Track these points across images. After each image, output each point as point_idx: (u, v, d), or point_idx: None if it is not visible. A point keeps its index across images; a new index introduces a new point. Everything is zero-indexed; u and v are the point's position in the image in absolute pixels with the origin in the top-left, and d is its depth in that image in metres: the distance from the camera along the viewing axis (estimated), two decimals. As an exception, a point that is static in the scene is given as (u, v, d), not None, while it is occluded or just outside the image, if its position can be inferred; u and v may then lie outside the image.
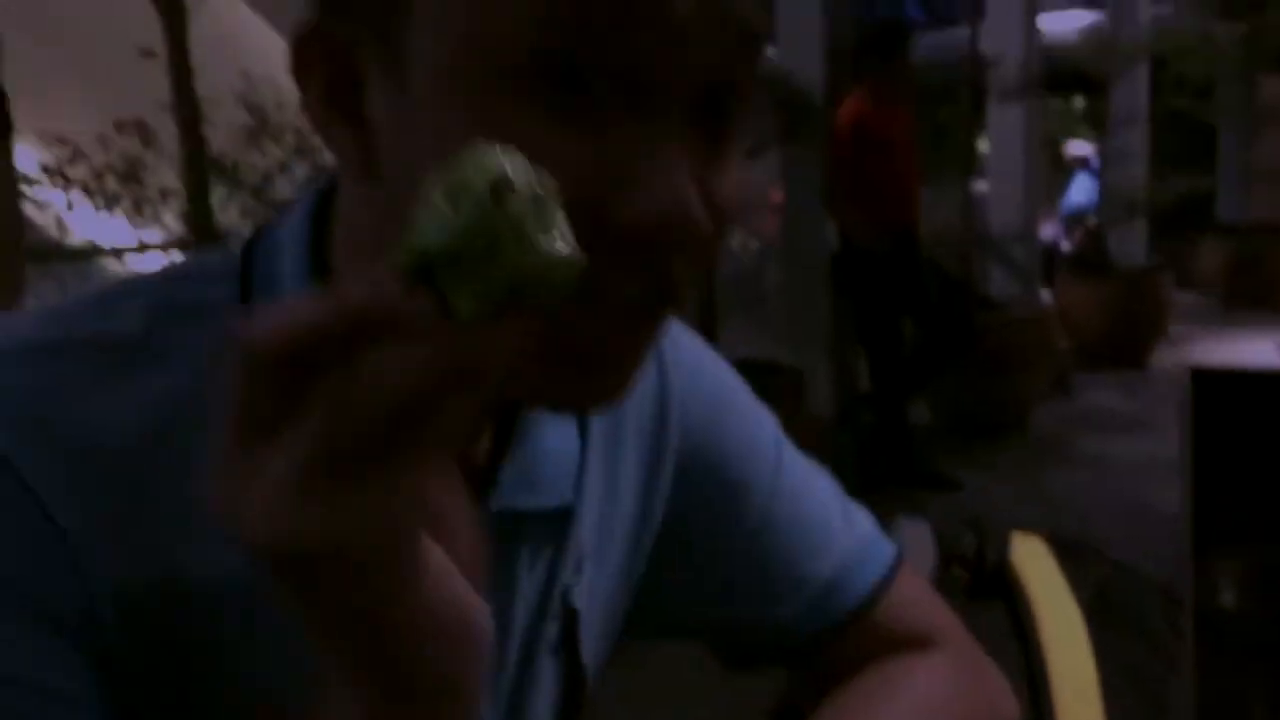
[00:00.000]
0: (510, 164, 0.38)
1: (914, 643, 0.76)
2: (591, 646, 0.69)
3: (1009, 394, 5.05)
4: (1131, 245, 7.43)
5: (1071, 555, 1.34)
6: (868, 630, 0.75)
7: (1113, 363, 6.34)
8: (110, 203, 4.00)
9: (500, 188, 0.38)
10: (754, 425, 0.76)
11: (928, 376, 4.55)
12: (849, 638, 0.75)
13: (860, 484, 1.37)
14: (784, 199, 5.03)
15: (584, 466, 0.67)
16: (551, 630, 0.66)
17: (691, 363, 0.74)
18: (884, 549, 0.78)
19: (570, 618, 0.67)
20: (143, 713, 0.53)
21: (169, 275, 0.59)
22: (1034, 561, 1.29)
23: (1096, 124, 9.07)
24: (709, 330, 3.93)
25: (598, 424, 0.68)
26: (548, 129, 0.48)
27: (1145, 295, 6.62)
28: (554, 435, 0.65)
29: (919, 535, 1.24)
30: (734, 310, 4.88)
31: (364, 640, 0.43)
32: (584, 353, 0.52)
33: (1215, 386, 0.91)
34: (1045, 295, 6.97)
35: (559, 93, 0.48)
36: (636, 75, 0.49)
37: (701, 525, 0.73)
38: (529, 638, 0.66)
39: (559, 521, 0.65)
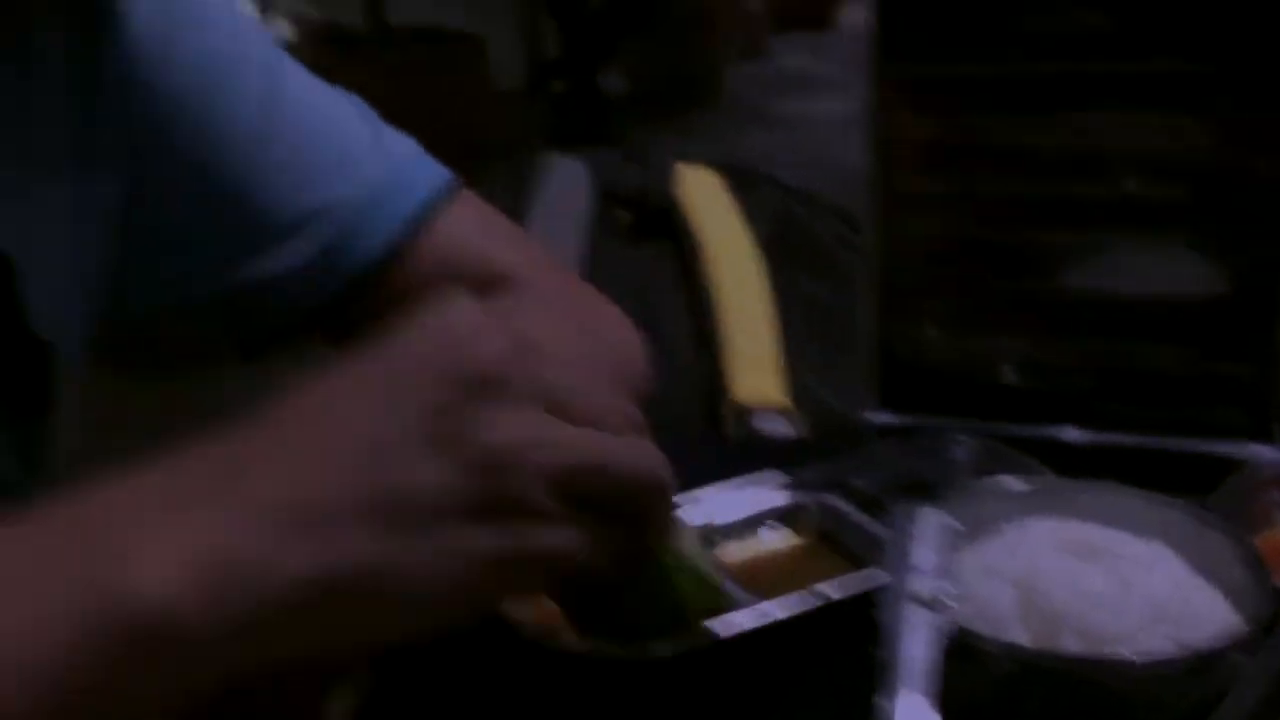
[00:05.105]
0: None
1: (479, 287, 0.60)
2: (51, 303, 0.53)
3: (701, 58, 4.93)
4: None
5: (746, 186, 1.21)
6: (407, 276, 0.60)
7: (804, 24, 6.30)
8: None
9: None
10: (230, 29, 0.59)
11: (616, 39, 4.37)
12: (382, 288, 0.59)
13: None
14: None
15: None
16: None
17: None
18: (429, 174, 0.62)
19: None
20: None
21: None
22: (703, 194, 1.15)
23: None
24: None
25: None
26: None
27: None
28: None
29: (572, 172, 1.07)
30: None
31: None
32: None
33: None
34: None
35: None
36: None
37: (173, 142, 0.57)
38: None
39: None
